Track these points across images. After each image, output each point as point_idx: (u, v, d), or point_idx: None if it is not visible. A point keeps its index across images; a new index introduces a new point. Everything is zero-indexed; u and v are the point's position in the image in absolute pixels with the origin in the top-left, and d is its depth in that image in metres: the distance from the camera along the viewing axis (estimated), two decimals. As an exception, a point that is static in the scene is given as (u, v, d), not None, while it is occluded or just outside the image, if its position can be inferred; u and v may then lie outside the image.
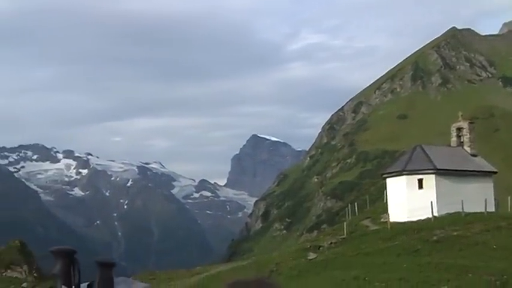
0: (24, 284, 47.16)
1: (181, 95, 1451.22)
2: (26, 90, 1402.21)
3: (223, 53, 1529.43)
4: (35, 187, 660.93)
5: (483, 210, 59.62)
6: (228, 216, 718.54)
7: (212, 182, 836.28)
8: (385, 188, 69.30)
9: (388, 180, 67.19)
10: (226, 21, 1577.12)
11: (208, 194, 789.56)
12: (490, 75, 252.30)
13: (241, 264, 61.90)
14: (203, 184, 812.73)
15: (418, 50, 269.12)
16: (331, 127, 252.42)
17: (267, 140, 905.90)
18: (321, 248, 56.42)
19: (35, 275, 55.94)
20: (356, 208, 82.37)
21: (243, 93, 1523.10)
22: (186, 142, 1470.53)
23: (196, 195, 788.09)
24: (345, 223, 66.71)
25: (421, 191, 62.74)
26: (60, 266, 4.30)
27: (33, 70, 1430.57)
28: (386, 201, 67.42)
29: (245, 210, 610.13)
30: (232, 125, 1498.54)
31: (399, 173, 64.51)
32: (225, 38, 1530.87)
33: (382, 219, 65.27)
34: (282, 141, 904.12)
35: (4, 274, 56.39)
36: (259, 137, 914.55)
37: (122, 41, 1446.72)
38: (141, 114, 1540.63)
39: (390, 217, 60.79)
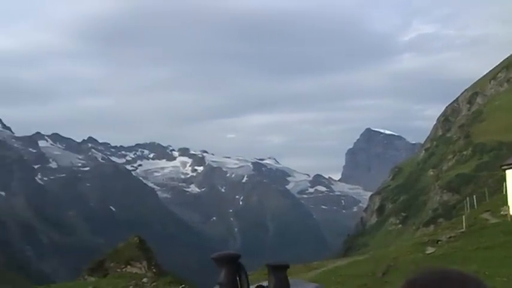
0: (145, 279, 47.93)
1: (294, 90, 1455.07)
2: (142, 90, 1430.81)
3: (335, 46, 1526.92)
4: (152, 185, 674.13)
5: None
6: (343, 211, 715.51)
7: (327, 177, 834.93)
8: (505, 180, 67.37)
9: (507, 171, 65.26)
10: (338, 13, 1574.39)
11: (323, 188, 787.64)
12: None
13: (358, 259, 61.33)
14: (318, 179, 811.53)
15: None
16: (446, 119, 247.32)
17: (381, 133, 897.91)
18: (439, 242, 55.38)
19: (154, 270, 56.79)
20: (474, 201, 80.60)
21: (355, 86, 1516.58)
22: (300, 137, 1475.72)
23: (311, 190, 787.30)
24: (463, 216, 65.30)
25: (541, 182, 60.74)
26: (225, 274, 3.90)
27: (149, 70, 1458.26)
28: (506, 194, 65.54)
29: (360, 204, 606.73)
30: (345, 118, 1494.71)
31: (519, 165, 62.54)
32: (337, 31, 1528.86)
33: (502, 212, 63.54)
34: (396, 134, 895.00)
35: (124, 270, 57.47)
36: (373, 130, 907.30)
37: (235, 38, 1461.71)
38: (254, 111, 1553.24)
39: (510, 210, 59.18)
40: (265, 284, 4.01)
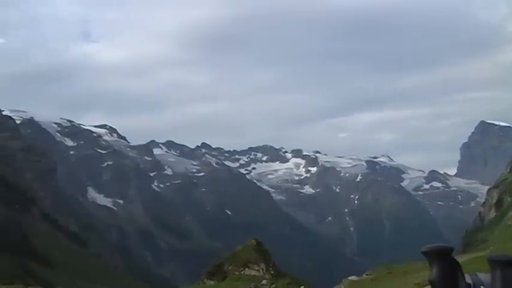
0: (264, 281, 48.26)
1: (403, 86, 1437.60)
2: (251, 93, 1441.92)
3: (442, 39, 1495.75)
4: (266, 187, 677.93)
5: None
6: (460, 206, 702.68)
7: (442, 172, 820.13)
8: None
9: None
10: (443, 6, 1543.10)
11: (438, 184, 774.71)
12: None
13: (479, 255, 60.21)
14: (433, 175, 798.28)
15: None
16: None
17: (496, 125, 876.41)
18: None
19: (271, 272, 57.13)
20: None
21: (466, 78, 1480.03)
22: (412, 133, 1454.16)
23: (426, 186, 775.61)
24: None
25: None
26: (438, 270, 3.56)
27: (257, 73, 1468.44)
28: None
29: (477, 199, 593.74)
30: (458, 112, 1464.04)
31: None
32: (443, 24, 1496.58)
33: None
34: (511, 125, 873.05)
35: (242, 272, 58.02)
36: (487, 123, 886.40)
37: (339, 36, 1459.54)
38: (365, 109, 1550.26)
39: None
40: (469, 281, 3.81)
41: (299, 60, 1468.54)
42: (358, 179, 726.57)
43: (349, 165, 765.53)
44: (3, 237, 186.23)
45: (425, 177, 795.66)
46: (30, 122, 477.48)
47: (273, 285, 36.46)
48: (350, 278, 52.69)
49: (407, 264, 64.19)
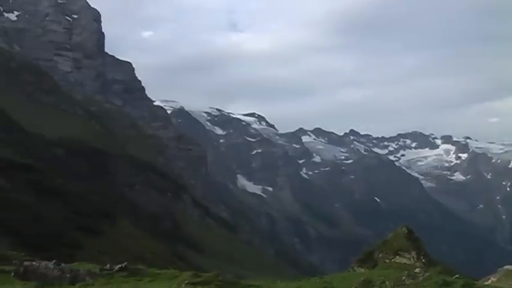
0: (417, 270, 47.72)
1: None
2: (399, 78, 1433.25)
3: None
4: (415, 174, 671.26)
5: None
6: None
7: None
8: None
9: None
10: None
11: None
12: None
13: None
14: None
15: None
16: None
17: None
18: None
19: (423, 260, 56.43)
20: None
21: None
22: None
23: None
24: None
25: None
26: None
27: (405, 57, 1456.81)
28: None
29: None
30: None
31: None
32: None
33: None
34: None
35: (393, 260, 57.58)
36: None
37: (489, 18, 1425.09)
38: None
39: None
40: None
41: (448, 43, 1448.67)
42: (510, 165, 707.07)
43: (501, 151, 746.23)
44: (156, 224, 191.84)
45: None
46: (181, 112, 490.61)
47: (427, 274, 35.93)
48: (506, 267, 51.28)
49: None
